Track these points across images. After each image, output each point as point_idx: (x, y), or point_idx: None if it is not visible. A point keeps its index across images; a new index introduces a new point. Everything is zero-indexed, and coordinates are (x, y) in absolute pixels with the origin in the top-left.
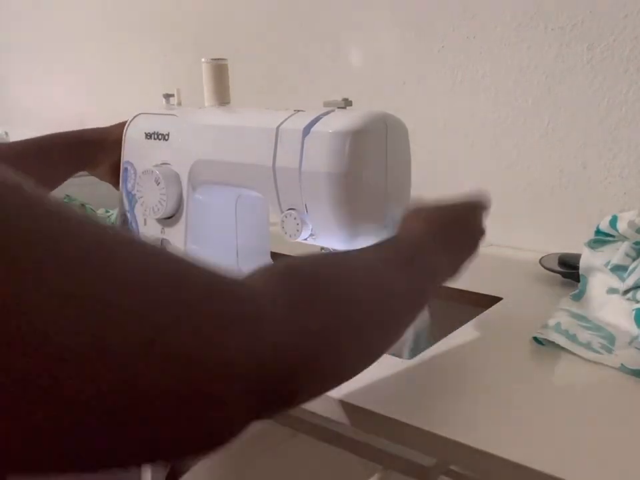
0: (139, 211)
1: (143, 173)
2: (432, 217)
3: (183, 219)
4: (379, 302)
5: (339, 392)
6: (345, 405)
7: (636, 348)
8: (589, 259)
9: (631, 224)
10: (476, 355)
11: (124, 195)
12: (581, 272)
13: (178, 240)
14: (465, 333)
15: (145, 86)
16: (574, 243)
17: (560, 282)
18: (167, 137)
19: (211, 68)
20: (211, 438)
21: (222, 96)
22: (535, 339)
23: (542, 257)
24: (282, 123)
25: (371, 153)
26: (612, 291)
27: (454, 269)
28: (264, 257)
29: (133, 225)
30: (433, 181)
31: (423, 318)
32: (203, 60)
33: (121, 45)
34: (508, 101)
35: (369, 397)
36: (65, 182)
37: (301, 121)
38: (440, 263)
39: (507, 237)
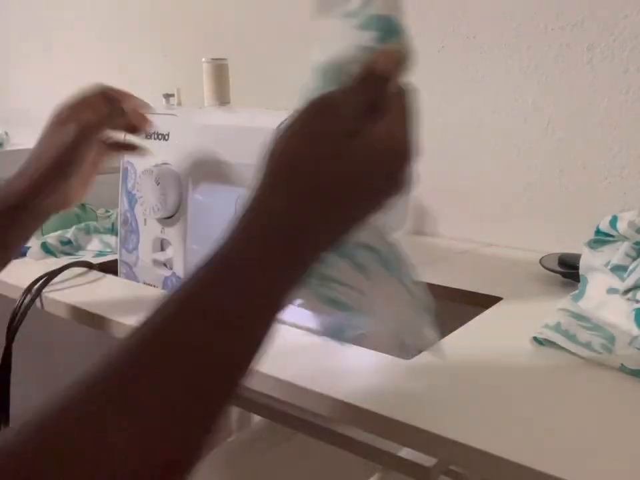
0: (138, 210)
1: (142, 172)
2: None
3: (183, 219)
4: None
5: (339, 392)
6: (345, 404)
7: (636, 348)
8: (589, 258)
9: (630, 224)
10: (476, 355)
11: (124, 194)
12: (581, 272)
13: (178, 240)
14: (465, 333)
15: (145, 86)
16: (574, 242)
17: (560, 282)
18: (167, 137)
19: (211, 68)
20: None
21: (222, 96)
22: (535, 338)
23: (542, 257)
24: (282, 123)
25: None
26: (612, 290)
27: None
28: None
29: (133, 224)
30: (433, 181)
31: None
32: (203, 60)
33: (121, 45)
34: (508, 101)
35: (369, 397)
36: None
37: None
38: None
39: (507, 237)
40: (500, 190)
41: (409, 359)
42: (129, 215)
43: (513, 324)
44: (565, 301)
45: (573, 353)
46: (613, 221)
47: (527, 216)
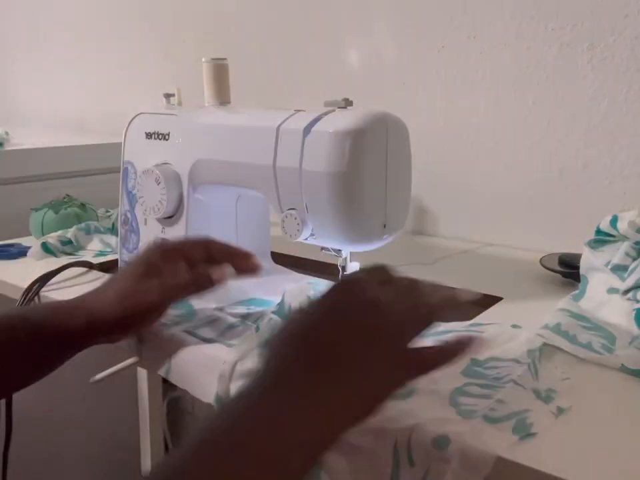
0: (139, 210)
1: (143, 172)
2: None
3: (183, 219)
4: None
5: None
6: None
7: (636, 348)
8: (589, 258)
9: (631, 224)
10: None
11: (124, 194)
12: (581, 272)
13: None
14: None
15: (145, 85)
16: (574, 243)
17: (560, 282)
18: (167, 137)
19: (211, 68)
20: None
21: (222, 96)
22: None
23: (542, 257)
24: (282, 123)
25: (371, 153)
26: (612, 290)
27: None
28: (264, 257)
29: (133, 224)
30: (433, 181)
31: None
32: (203, 60)
33: (121, 45)
34: (508, 101)
35: None
36: (65, 181)
37: (302, 121)
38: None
39: (507, 237)
40: (500, 190)
41: None
42: (129, 214)
43: (512, 324)
44: (565, 301)
45: (574, 355)
46: (613, 221)
47: (527, 216)
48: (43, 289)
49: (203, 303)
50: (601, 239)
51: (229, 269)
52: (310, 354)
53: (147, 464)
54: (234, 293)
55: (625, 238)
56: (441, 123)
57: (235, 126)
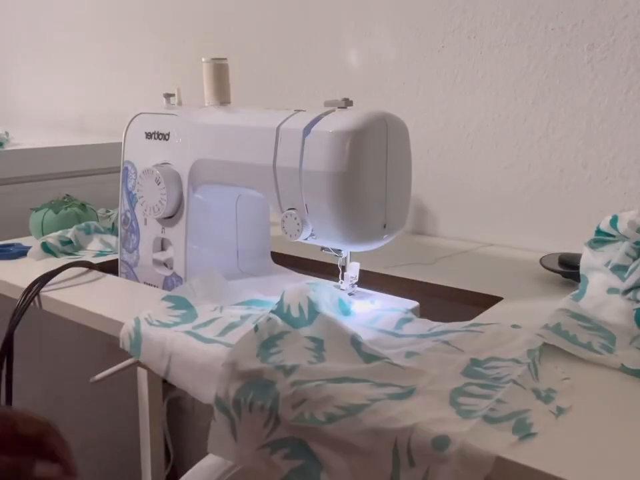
0: (139, 210)
1: (143, 172)
2: None
3: (183, 219)
4: None
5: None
6: None
7: (636, 348)
8: (589, 258)
9: (631, 224)
10: None
11: (124, 194)
12: (581, 272)
13: (178, 240)
14: None
15: (145, 85)
16: (574, 243)
17: (560, 282)
18: (167, 137)
19: (211, 68)
20: None
21: (222, 95)
22: None
23: (542, 257)
24: (282, 123)
25: (371, 153)
26: (612, 290)
27: None
28: (264, 257)
29: (133, 224)
30: (433, 181)
31: None
32: (203, 60)
33: (122, 45)
34: (508, 101)
35: None
36: (65, 181)
37: (302, 121)
38: None
39: (507, 237)
40: (500, 190)
41: None
42: (129, 214)
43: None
44: (565, 301)
45: (574, 355)
46: (613, 221)
47: (527, 216)
48: (43, 289)
49: (203, 303)
50: (601, 238)
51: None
52: None
53: (146, 464)
54: (234, 293)
55: (625, 238)
56: (441, 123)
57: (235, 126)
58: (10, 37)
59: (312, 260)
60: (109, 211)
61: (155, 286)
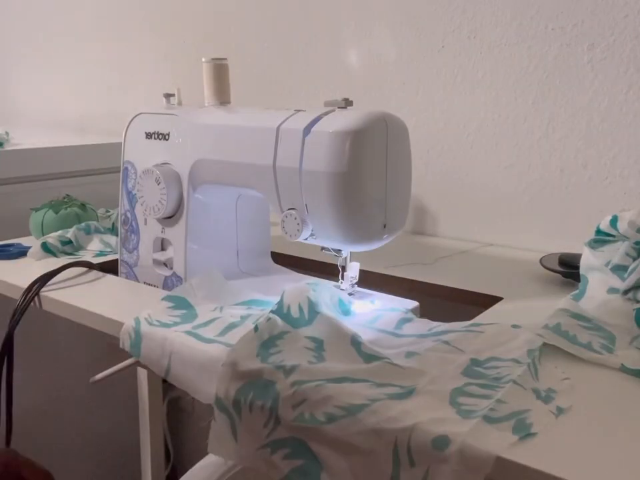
0: (139, 210)
1: (143, 172)
2: None
3: (183, 219)
4: None
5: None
6: None
7: (636, 348)
8: (589, 258)
9: (631, 224)
10: None
11: (124, 194)
12: (581, 272)
13: (178, 240)
14: None
15: (145, 85)
16: (574, 243)
17: (560, 282)
18: (167, 137)
19: (211, 68)
20: None
21: (222, 95)
22: None
23: (542, 257)
24: (282, 123)
25: (371, 153)
26: (612, 290)
27: None
28: (264, 257)
29: (133, 224)
30: (433, 181)
31: None
32: (203, 60)
33: (122, 45)
34: (508, 101)
35: None
36: (65, 181)
37: (302, 121)
38: None
39: (507, 237)
40: (500, 190)
41: None
42: (129, 214)
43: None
44: (565, 301)
45: (574, 355)
46: (613, 221)
47: (527, 216)
48: (43, 289)
49: (203, 303)
50: (601, 238)
51: None
52: None
53: (146, 464)
54: (234, 293)
55: (625, 238)
56: (441, 123)
57: (235, 126)
58: (10, 37)
59: (312, 260)
60: (109, 211)
61: (155, 286)
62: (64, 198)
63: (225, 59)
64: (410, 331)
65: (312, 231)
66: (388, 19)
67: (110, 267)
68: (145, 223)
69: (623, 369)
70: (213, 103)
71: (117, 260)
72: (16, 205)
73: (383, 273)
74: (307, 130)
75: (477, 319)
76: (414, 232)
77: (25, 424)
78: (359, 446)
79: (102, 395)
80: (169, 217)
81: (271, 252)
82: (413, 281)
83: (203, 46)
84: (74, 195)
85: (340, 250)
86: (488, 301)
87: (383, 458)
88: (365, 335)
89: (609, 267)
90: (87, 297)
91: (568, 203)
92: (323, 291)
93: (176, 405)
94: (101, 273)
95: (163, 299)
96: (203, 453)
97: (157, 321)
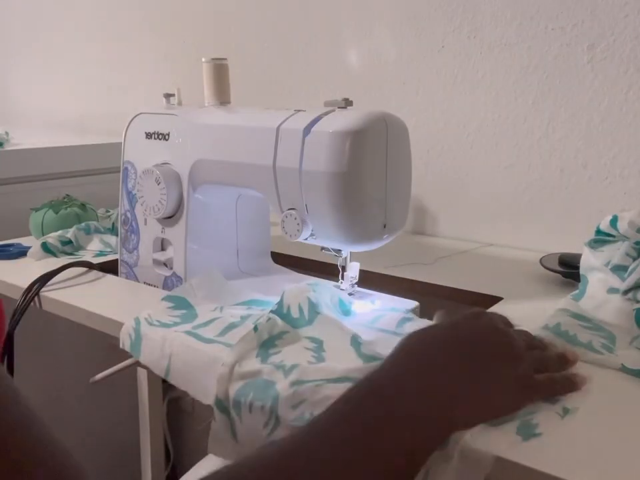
0: (139, 210)
1: (143, 172)
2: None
3: (183, 219)
4: None
5: None
6: None
7: (636, 348)
8: (589, 258)
9: (631, 224)
10: None
11: (124, 194)
12: (581, 272)
13: (178, 240)
14: None
15: (145, 85)
16: (574, 242)
17: (560, 282)
18: (167, 137)
19: (211, 68)
20: None
21: (222, 96)
22: None
23: (542, 257)
24: (282, 123)
25: (371, 153)
26: (612, 290)
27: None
28: (264, 257)
29: (133, 224)
30: (433, 181)
31: None
32: (203, 60)
33: (122, 45)
34: (508, 101)
35: None
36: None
37: (302, 121)
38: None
39: (507, 237)
40: (500, 190)
41: None
42: (129, 214)
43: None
44: (565, 301)
45: None
46: (613, 221)
47: (527, 216)
48: (43, 289)
49: (203, 303)
50: (601, 238)
51: None
52: (451, 352)
53: (146, 464)
54: (234, 293)
55: (625, 238)
56: (441, 123)
57: (235, 126)
58: (10, 37)
59: (312, 260)
60: (109, 211)
61: (155, 286)
62: (64, 198)
63: (225, 59)
64: (411, 330)
65: (312, 230)
66: (388, 18)
67: (110, 267)
68: (145, 223)
69: (623, 369)
70: (213, 102)
71: (117, 260)
72: (16, 205)
73: (383, 272)
74: (307, 130)
75: None
76: (414, 232)
77: None
78: None
79: (102, 394)
80: (169, 217)
81: (271, 252)
82: (412, 281)
83: (203, 46)
84: (74, 195)
85: (340, 250)
86: (488, 300)
87: None
88: (366, 335)
89: (609, 267)
90: (86, 297)
91: (568, 203)
92: (324, 292)
93: (176, 405)
94: (101, 273)
95: (163, 299)
96: (202, 453)
97: (157, 321)
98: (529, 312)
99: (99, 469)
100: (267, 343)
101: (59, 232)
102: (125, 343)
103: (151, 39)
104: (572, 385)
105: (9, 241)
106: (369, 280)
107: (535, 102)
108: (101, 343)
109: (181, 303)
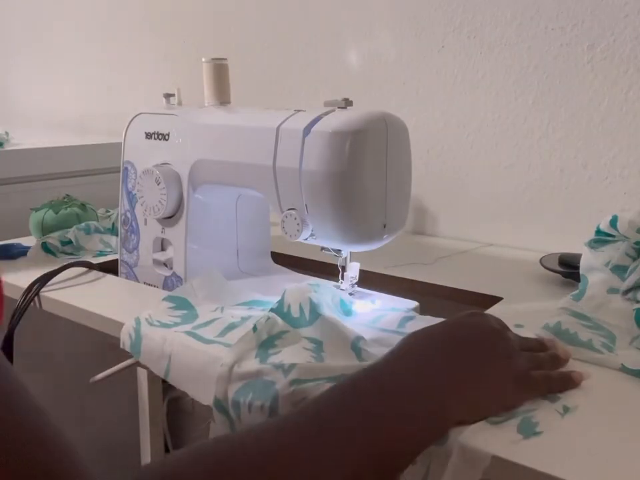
0: (139, 210)
1: (143, 172)
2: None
3: (183, 219)
4: None
5: None
6: None
7: (636, 348)
8: (589, 258)
9: (631, 224)
10: None
11: (124, 194)
12: (581, 272)
13: (178, 240)
14: None
15: (145, 85)
16: (574, 243)
17: (560, 282)
18: (167, 137)
19: (211, 68)
20: None
21: (222, 96)
22: None
23: (542, 257)
24: (282, 123)
25: (371, 153)
26: (612, 290)
27: (469, 407)
28: (264, 257)
29: (133, 224)
30: (433, 181)
31: None
32: (203, 60)
33: (122, 45)
34: (508, 100)
35: None
36: (65, 181)
37: (302, 121)
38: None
39: (507, 237)
40: (500, 190)
41: None
42: (129, 214)
43: (514, 324)
44: (565, 301)
45: (573, 355)
46: (613, 221)
47: (527, 216)
48: (43, 289)
49: (203, 304)
50: (601, 238)
51: None
52: (448, 352)
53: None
54: (234, 294)
55: (625, 238)
56: (441, 123)
57: (235, 126)
58: (10, 37)
59: (312, 260)
60: (109, 211)
61: (155, 286)
62: (64, 198)
63: (225, 59)
64: (412, 329)
65: (312, 230)
66: (388, 19)
67: (110, 267)
68: (145, 223)
69: (623, 369)
70: (213, 102)
71: (117, 260)
72: (16, 205)
73: (383, 273)
74: (307, 130)
75: None
76: (414, 232)
77: None
78: None
79: (102, 395)
80: (169, 217)
81: (271, 252)
82: (412, 280)
83: (203, 46)
84: (74, 195)
85: (340, 250)
86: (488, 300)
87: None
88: (368, 334)
89: (609, 267)
90: (86, 297)
91: (568, 203)
92: (325, 292)
93: (176, 405)
94: (101, 273)
95: (163, 299)
96: None
97: (158, 321)
98: (529, 312)
99: (98, 469)
100: (266, 343)
101: (59, 232)
102: (125, 343)
103: (150, 38)
104: (569, 381)
105: (9, 241)
106: (368, 280)
107: (535, 102)
108: (101, 343)
109: (182, 304)
